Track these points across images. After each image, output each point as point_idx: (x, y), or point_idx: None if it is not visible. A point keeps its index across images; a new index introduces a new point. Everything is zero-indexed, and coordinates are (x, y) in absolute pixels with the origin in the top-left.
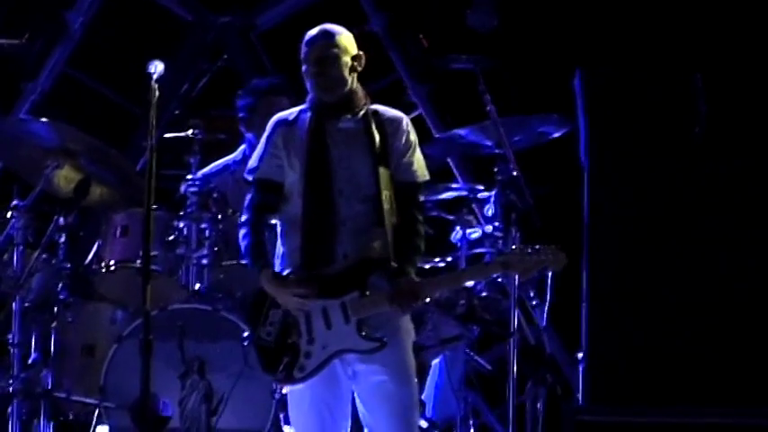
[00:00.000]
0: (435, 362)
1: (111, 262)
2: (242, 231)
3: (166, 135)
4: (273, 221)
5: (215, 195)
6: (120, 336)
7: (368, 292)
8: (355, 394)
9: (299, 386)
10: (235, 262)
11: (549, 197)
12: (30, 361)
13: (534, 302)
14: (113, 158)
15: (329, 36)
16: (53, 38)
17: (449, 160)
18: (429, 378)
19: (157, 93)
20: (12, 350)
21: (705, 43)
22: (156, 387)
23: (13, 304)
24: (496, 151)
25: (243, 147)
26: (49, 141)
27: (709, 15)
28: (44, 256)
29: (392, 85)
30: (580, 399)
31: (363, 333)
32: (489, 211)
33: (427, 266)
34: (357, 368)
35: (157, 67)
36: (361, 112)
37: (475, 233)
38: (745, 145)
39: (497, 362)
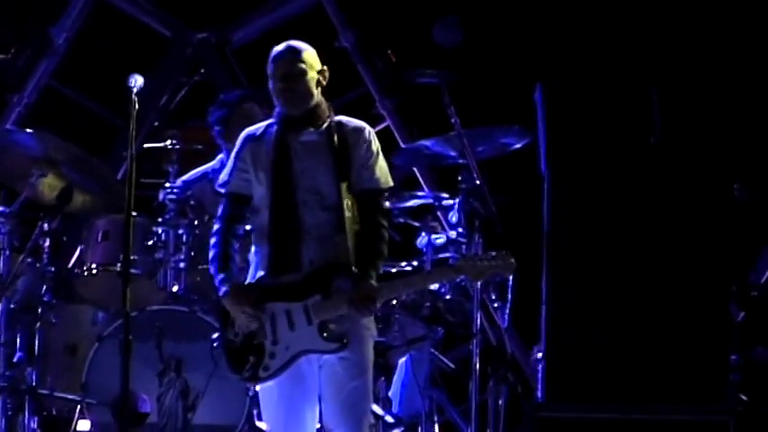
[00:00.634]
0: (402, 361)
1: (93, 265)
2: (212, 240)
3: (146, 145)
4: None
5: (192, 203)
6: (101, 336)
7: (330, 296)
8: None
9: (269, 383)
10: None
11: (511, 205)
12: (15, 359)
13: (496, 305)
14: (95, 167)
15: (295, 52)
16: (38, 52)
17: (415, 170)
18: (396, 376)
19: (137, 105)
20: None
21: (660, 58)
22: (136, 384)
23: None
24: (460, 161)
25: (221, 156)
26: (34, 151)
27: (663, 33)
28: (29, 259)
29: (361, 98)
30: (540, 396)
31: (325, 334)
32: (453, 217)
33: (394, 270)
34: (320, 361)
35: (137, 81)
36: (325, 125)
37: (440, 239)
38: (698, 155)
39: (461, 361)
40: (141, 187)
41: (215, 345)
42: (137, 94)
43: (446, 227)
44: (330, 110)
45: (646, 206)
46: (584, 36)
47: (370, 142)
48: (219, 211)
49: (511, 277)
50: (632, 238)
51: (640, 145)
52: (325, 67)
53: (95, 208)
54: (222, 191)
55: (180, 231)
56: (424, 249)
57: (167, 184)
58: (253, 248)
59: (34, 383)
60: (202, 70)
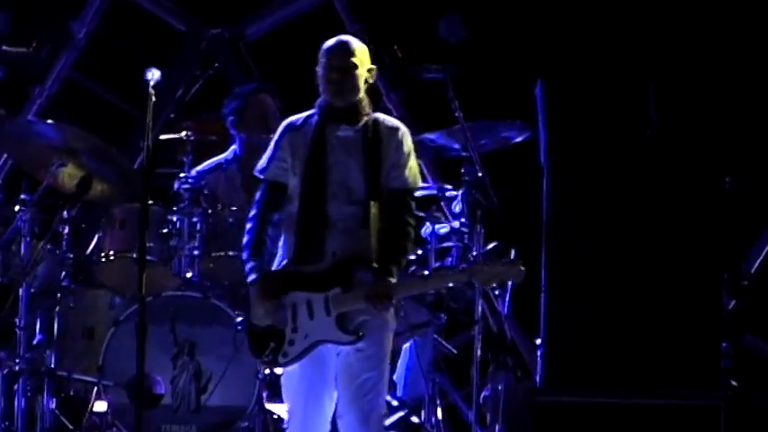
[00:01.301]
0: (406, 346)
1: (111, 252)
2: (247, 225)
3: (162, 136)
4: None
5: (206, 192)
6: (117, 320)
7: (350, 289)
8: None
9: (292, 367)
10: (223, 253)
11: (512, 196)
12: (34, 342)
13: (497, 293)
14: (113, 157)
15: (349, 47)
16: (59, 46)
17: (420, 162)
18: (400, 361)
19: (154, 97)
20: (18, 332)
21: (656, 57)
22: (150, 367)
23: (20, 290)
24: (463, 154)
25: (234, 146)
26: (55, 141)
27: (661, 32)
28: (49, 246)
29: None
30: (538, 381)
31: (342, 326)
32: (456, 208)
33: None
34: (337, 350)
35: (154, 74)
36: (362, 122)
37: (443, 228)
38: (692, 149)
39: (463, 347)
40: (157, 177)
41: (239, 328)
42: (153, 86)
43: (449, 217)
44: (370, 107)
45: (641, 199)
46: (584, 34)
47: (402, 142)
48: (256, 196)
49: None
50: (628, 229)
51: (637, 140)
52: (373, 66)
53: (113, 197)
54: (260, 176)
55: (194, 220)
56: (429, 238)
57: (182, 174)
58: (282, 236)
59: (53, 365)
60: (216, 64)
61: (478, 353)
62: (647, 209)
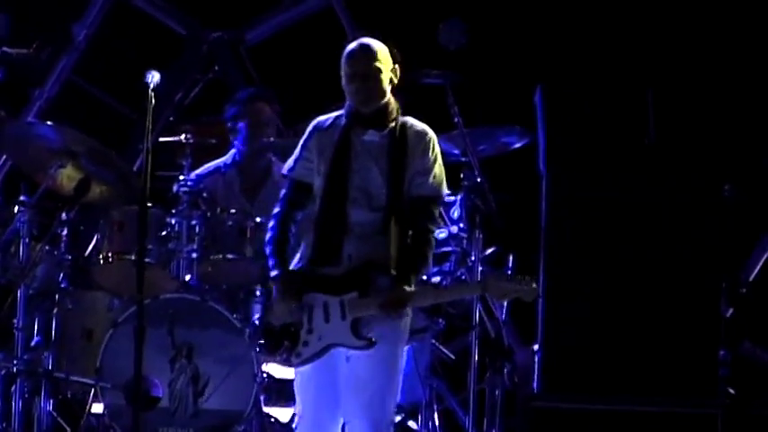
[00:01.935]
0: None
1: (109, 254)
2: (271, 223)
3: (161, 139)
4: None
5: (204, 195)
6: (115, 322)
7: (367, 294)
8: None
9: (305, 368)
10: (221, 256)
11: (510, 202)
12: (32, 344)
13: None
14: (112, 160)
15: (370, 51)
16: (59, 48)
17: None
18: None
19: (153, 100)
20: (16, 333)
21: (655, 63)
22: (148, 369)
23: (19, 292)
24: (463, 159)
25: (233, 150)
26: (54, 143)
27: (659, 38)
28: (47, 248)
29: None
30: (535, 387)
31: (356, 331)
32: (455, 213)
33: None
34: (348, 353)
35: (154, 77)
36: (389, 127)
37: (442, 233)
38: (690, 155)
39: (460, 352)
40: (156, 179)
41: (257, 325)
42: (153, 89)
43: (448, 222)
44: (398, 111)
45: (639, 204)
46: (583, 41)
47: (429, 149)
48: (282, 194)
49: (509, 272)
50: (626, 236)
51: (635, 145)
52: (397, 66)
53: (112, 199)
54: (287, 175)
55: (193, 222)
56: None
57: (181, 177)
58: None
59: (51, 367)
60: (216, 68)
61: (476, 358)
62: (644, 215)
